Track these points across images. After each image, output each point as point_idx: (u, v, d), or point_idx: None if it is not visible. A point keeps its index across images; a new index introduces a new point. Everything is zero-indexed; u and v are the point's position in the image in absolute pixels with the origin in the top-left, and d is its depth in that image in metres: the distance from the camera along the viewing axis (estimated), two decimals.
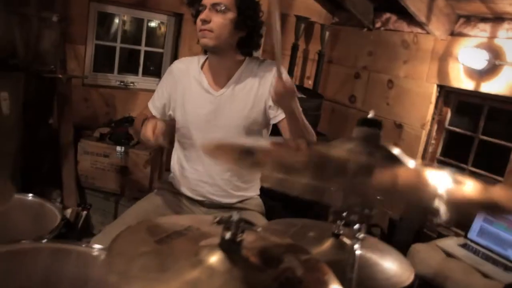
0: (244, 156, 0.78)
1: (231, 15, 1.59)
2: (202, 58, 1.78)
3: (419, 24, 3.03)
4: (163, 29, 3.41)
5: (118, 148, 2.74)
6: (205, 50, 1.75)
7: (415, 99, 3.20)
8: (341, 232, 1.18)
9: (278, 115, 1.69)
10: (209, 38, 1.59)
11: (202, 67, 1.76)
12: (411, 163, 0.79)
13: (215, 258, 0.80)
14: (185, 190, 1.79)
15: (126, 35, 3.28)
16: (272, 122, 1.72)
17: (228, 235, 0.82)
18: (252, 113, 1.70)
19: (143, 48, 3.29)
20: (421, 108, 3.16)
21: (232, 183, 1.76)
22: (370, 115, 0.82)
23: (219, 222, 0.82)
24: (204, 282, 0.76)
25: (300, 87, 3.58)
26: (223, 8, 1.57)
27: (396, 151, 0.78)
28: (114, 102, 3.14)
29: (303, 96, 3.25)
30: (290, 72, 3.65)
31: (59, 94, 2.78)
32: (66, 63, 2.84)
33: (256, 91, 1.69)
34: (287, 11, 3.65)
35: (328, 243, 1.18)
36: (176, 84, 1.77)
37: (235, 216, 0.82)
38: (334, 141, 0.77)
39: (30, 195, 1.58)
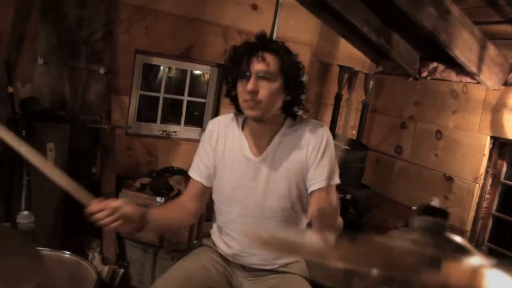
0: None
1: (277, 82, 1.53)
2: (240, 118, 1.70)
3: (469, 74, 2.91)
4: (206, 77, 3.45)
5: (158, 199, 2.71)
6: (238, 109, 1.68)
7: (467, 151, 3.03)
8: None
9: (314, 184, 1.59)
10: (257, 109, 1.52)
11: (242, 128, 1.68)
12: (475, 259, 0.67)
13: None
14: (225, 254, 1.71)
15: (169, 84, 3.33)
16: (309, 189, 1.61)
17: None
18: (293, 176, 1.61)
19: (185, 98, 3.32)
20: (473, 160, 2.98)
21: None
22: (434, 202, 0.72)
23: None
24: None
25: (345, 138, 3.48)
26: (270, 76, 1.51)
27: (463, 243, 0.67)
28: (156, 151, 3.15)
29: (347, 147, 3.15)
30: (333, 122, 3.58)
31: (103, 144, 2.81)
32: (110, 113, 2.90)
33: (297, 154, 1.62)
34: (330, 61, 3.63)
35: None
36: (215, 145, 1.70)
37: None
38: (393, 231, 0.67)
39: (68, 253, 1.55)
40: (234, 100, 1.62)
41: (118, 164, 2.89)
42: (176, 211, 1.71)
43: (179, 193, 2.83)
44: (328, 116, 3.62)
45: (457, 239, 0.66)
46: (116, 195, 2.79)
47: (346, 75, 3.51)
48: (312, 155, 1.59)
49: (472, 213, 3.00)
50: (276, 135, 1.63)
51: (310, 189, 1.59)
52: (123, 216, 1.41)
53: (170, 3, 2.96)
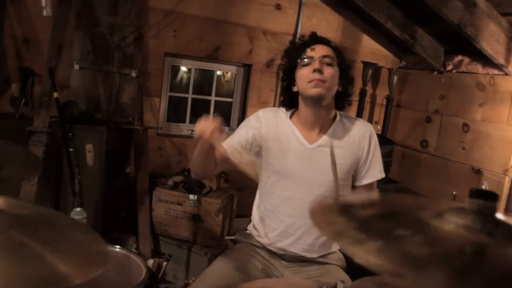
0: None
1: (336, 68, 1.66)
2: (288, 111, 1.79)
3: (497, 66, 2.91)
4: (226, 77, 3.54)
5: (191, 196, 2.79)
6: (284, 104, 1.78)
7: (495, 143, 3.03)
8: None
9: (365, 178, 1.75)
10: (322, 87, 1.61)
11: (290, 118, 1.77)
12: None
13: None
14: (265, 243, 1.78)
15: (196, 85, 3.41)
16: (361, 183, 1.77)
17: None
18: (344, 167, 1.69)
19: (213, 98, 3.41)
20: (502, 152, 2.98)
21: (319, 238, 1.72)
22: (484, 186, 0.76)
23: None
24: None
25: None
26: (331, 61, 1.64)
27: None
28: (185, 150, 3.24)
29: None
30: (358, 117, 3.61)
31: (136, 144, 2.91)
32: (143, 114, 3.00)
33: (351, 147, 1.72)
34: (354, 58, 3.66)
35: None
36: (262, 129, 1.75)
37: (340, 285, 0.79)
38: (443, 211, 0.71)
39: (118, 247, 1.63)
40: (289, 93, 1.75)
41: (150, 163, 2.99)
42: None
43: (211, 190, 2.91)
44: (353, 112, 3.66)
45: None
46: (150, 194, 2.88)
47: (370, 71, 3.54)
48: (365, 150, 1.73)
49: (502, 205, 3.00)
50: (332, 125, 1.73)
51: (362, 183, 1.75)
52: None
53: (197, 6, 3.04)
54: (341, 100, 1.74)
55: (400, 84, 3.79)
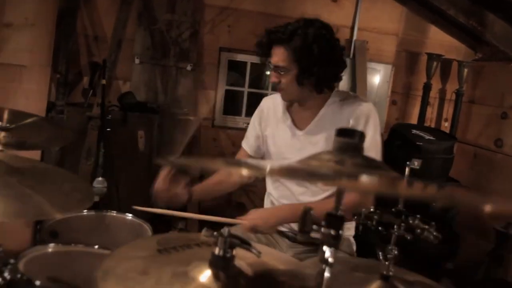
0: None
1: (293, 72, 1.60)
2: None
3: None
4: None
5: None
6: None
7: None
8: (391, 273, 1.06)
9: None
10: (283, 95, 1.69)
11: (287, 107, 1.78)
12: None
13: (204, 274, 0.81)
14: None
15: (253, 79, 3.51)
16: None
17: (217, 251, 0.82)
18: None
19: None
20: None
21: None
22: (349, 125, 0.75)
23: (207, 236, 0.83)
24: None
25: (428, 128, 3.31)
26: (283, 70, 1.60)
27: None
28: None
29: (431, 138, 3.01)
30: (422, 114, 3.42)
31: (189, 134, 3.10)
32: (197, 106, 3.17)
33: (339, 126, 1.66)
34: (419, 50, 3.48)
35: (375, 285, 1.07)
36: (264, 120, 1.84)
37: (225, 231, 0.82)
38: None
39: (130, 215, 1.79)
40: None
41: (204, 153, 3.15)
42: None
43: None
44: (416, 107, 3.47)
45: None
46: (200, 181, 3.04)
47: (434, 64, 3.34)
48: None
49: None
50: (319, 112, 1.70)
51: None
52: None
53: (251, 2, 3.14)
54: (321, 86, 1.65)
55: (474, 77, 3.50)
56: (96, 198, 2.04)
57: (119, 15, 2.91)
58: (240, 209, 2.89)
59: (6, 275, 1.00)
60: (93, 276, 0.74)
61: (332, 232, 0.67)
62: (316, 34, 1.58)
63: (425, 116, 3.47)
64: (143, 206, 1.56)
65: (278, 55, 1.60)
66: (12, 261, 1.04)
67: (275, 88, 1.70)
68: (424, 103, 3.42)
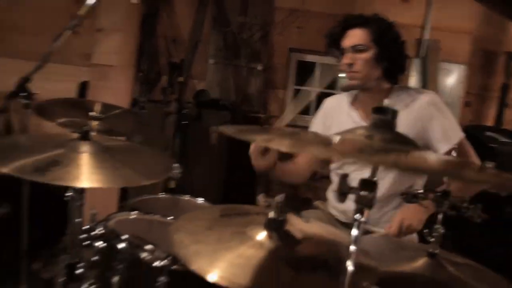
0: None
1: (371, 51, 1.66)
2: (350, 95, 1.87)
3: None
4: None
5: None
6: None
7: None
8: (437, 251, 1.10)
9: (440, 145, 1.66)
10: (356, 79, 1.68)
11: (352, 103, 1.84)
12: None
13: (260, 234, 0.92)
14: (338, 212, 1.89)
15: (321, 79, 3.58)
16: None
17: (272, 214, 0.93)
18: None
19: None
20: None
21: (385, 214, 1.77)
22: (386, 103, 0.82)
23: (264, 201, 0.94)
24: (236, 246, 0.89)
25: (504, 131, 3.18)
26: (362, 48, 1.65)
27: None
28: None
29: (506, 140, 2.90)
30: (499, 115, 3.29)
31: None
32: (267, 105, 3.31)
33: (409, 120, 1.68)
34: (498, 49, 3.35)
35: (422, 262, 1.12)
36: (328, 119, 1.90)
37: (279, 197, 0.93)
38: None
39: (201, 199, 1.95)
40: None
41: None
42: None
43: (323, 176, 3.05)
44: (492, 109, 3.35)
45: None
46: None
47: None
48: (426, 118, 1.67)
49: None
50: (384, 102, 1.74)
51: (440, 151, 1.66)
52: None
53: (320, 3, 3.23)
54: (391, 74, 1.72)
55: None
56: (172, 185, 2.24)
57: (195, 19, 3.13)
58: (305, 204, 2.98)
59: (99, 230, 1.20)
60: (167, 231, 0.88)
61: (367, 194, 0.75)
62: (389, 22, 1.71)
63: (503, 118, 3.34)
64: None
65: (355, 36, 1.67)
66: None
67: (347, 71, 1.69)
68: (502, 105, 3.28)
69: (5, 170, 1.22)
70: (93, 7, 1.68)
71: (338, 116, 1.85)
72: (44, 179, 1.15)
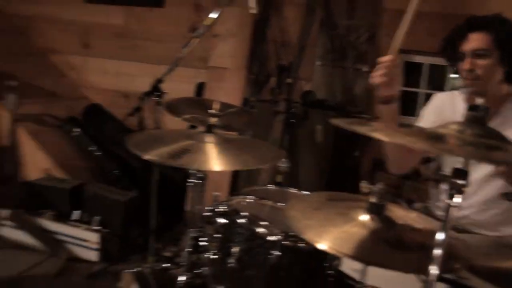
0: None
1: (493, 56, 1.61)
2: (463, 93, 1.83)
3: None
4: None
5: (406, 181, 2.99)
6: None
7: None
8: None
9: None
10: (477, 86, 1.64)
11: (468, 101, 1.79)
12: None
13: (362, 216, 1.04)
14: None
15: (427, 80, 3.52)
16: None
17: (373, 199, 1.04)
18: None
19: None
20: None
21: (494, 216, 1.72)
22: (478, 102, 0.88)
23: (366, 187, 1.05)
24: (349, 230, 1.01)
25: None
26: (484, 53, 1.60)
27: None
28: None
29: None
30: None
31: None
32: (372, 105, 3.35)
33: None
34: None
35: None
36: (440, 116, 1.84)
37: (379, 185, 1.03)
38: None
39: (308, 193, 2.08)
40: None
41: (377, 149, 3.30)
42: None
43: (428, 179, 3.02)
44: None
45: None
46: (371, 177, 3.21)
47: None
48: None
49: None
50: (501, 108, 1.68)
51: None
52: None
53: (428, 3, 3.17)
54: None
55: None
56: (279, 178, 2.41)
57: (303, 23, 3.29)
58: (409, 204, 2.97)
59: (222, 208, 1.42)
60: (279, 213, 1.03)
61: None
62: None
63: None
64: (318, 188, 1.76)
65: (478, 40, 1.61)
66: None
67: (467, 77, 1.65)
68: None
69: (147, 156, 1.47)
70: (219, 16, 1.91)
71: (452, 115, 1.79)
72: (178, 163, 1.39)
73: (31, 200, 2.97)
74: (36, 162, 3.29)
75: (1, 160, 3.24)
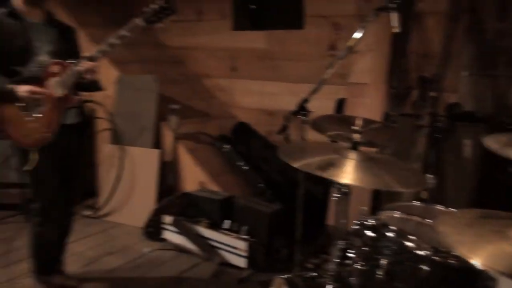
0: None
1: None
2: None
3: None
4: None
5: None
6: None
7: None
8: None
9: None
10: None
11: None
12: None
13: None
14: None
15: None
16: None
17: None
18: None
19: None
20: None
21: None
22: None
23: None
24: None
25: None
26: None
27: None
28: None
29: None
30: None
31: None
32: None
33: None
34: None
35: None
36: None
37: None
38: None
39: (455, 210, 2.01)
40: None
41: None
42: None
43: None
44: None
45: None
46: None
47: None
48: None
49: None
50: None
51: None
52: None
53: None
54: None
55: None
56: (425, 195, 2.36)
57: (446, 32, 3.15)
58: None
59: (371, 222, 1.48)
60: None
61: None
62: None
63: None
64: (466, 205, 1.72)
65: None
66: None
67: None
68: None
69: (296, 165, 1.59)
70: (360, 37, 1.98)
71: None
72: (324, 174, 1.48)
73: (189, 209, 3.34)
74: (193, 175, 3.69)
75: (165, 173, 3.71)
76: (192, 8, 4.52)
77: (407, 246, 1.32)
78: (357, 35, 1.93)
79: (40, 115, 2.19)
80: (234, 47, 4.39)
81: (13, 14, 2.20)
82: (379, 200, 2.99)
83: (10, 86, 2.12)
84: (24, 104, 2.16)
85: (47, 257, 2.60)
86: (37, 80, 2.17)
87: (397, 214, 1.63)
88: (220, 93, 4.56)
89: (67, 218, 2.63)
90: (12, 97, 2.12)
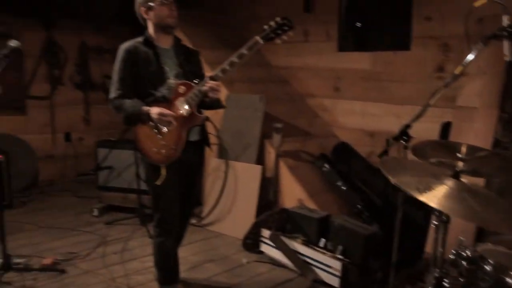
0: None
1: None
2: None
3: None
4: None
5: None
6: None
7: None
8: None
9: None
10: None
11: None
12: None
13: None
14: None
15: None
16: None
17: None
18: None
19: None
20: None
21: None
22: None
23: None
24: None
25: None
26: None
27: None
28: None
29: None
30: None
31: None
32: None
33: None
34: None
35: None
36: None
37: None
38: None
39: None
40: None
41: None
42: None
43: None
44: None
45: None
46: None
47: None
48: None
49: None
50: None
51: None
52: None
53: None
54: None
55: None
56: None
57: None
58: None
59: (468, 252, 1.46)
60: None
61: None
62: None
63: None
64: None
65: None
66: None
67: None
68: None
69: (393, 180, 1.61)
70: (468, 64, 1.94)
71: None
72: (419, 196, 1.49)
73: (286, 225, 3.45)
74: (292, 192, 3.80)
75: (266, 188, 3.87)
76: (299, 29, 4.69)
77: (507, 282, 1.28)
78: (467, 60, 1.89)
79: (169, 133, 2.41)
80: (339, 68, 4.47)
81: (148, 42, 2.50)
82: (484, 231, 2.84)
83: (145, 108, 2.39)
84: (156, 124, 2.41)
85: (168, 267, 2.69)
86: (167, 101, 2.42)
87: (498, 248, 1.57)
88: (323, 112, 4.65)
89: (182, 230, 2.82)
90: (146, 118, 2.40)
